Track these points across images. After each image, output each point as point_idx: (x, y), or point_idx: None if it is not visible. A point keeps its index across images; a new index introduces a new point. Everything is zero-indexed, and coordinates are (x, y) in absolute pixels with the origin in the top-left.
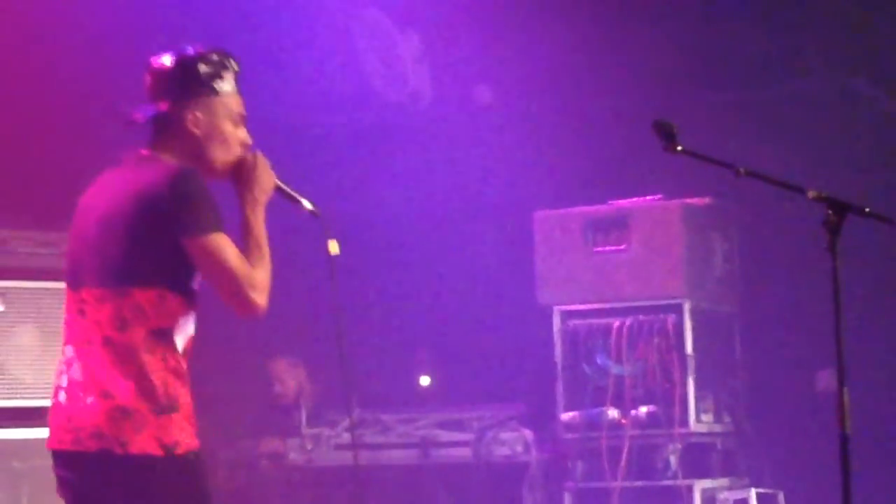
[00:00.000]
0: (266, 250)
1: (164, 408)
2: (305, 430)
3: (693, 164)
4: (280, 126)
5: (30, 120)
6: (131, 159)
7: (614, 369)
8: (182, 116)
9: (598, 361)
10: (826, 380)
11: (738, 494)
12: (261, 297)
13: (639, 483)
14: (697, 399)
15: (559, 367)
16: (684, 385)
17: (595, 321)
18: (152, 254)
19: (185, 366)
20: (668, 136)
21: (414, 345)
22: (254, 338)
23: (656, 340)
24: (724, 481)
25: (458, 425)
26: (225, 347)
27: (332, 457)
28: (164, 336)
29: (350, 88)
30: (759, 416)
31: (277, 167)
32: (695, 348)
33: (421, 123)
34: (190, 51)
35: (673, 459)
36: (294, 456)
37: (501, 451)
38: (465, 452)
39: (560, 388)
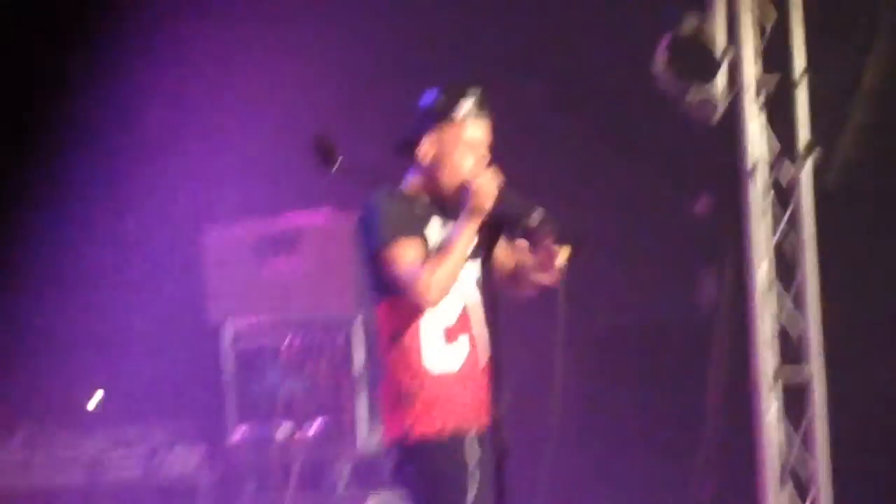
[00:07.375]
0: (452, 255)
1: (402, 400)
2: None
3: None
4: None
5: None
6: None
7: (286, 385)
8: (419, 145)
9: (270, 377)
10: None
11: None
12: (426, 295)
13: (310, 498)
14: (369, 414)
15: (230, 382)
16: (354, 401)
17: (266, 337)
18: (370, 272)
19: (426, 363)
20: (325, 154)
21: (86, 361)
22: None
23: (327, 356)
24: (396, 495)
25: (128, 444)
26: None
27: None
28: (399, 338)
29: None
30: None
31: None
32: (366, 364)
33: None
34: (437, 88)
35: (344, 474)
36: None
37: (172, 470)
38: (135, 472)
39: (231, 404)
